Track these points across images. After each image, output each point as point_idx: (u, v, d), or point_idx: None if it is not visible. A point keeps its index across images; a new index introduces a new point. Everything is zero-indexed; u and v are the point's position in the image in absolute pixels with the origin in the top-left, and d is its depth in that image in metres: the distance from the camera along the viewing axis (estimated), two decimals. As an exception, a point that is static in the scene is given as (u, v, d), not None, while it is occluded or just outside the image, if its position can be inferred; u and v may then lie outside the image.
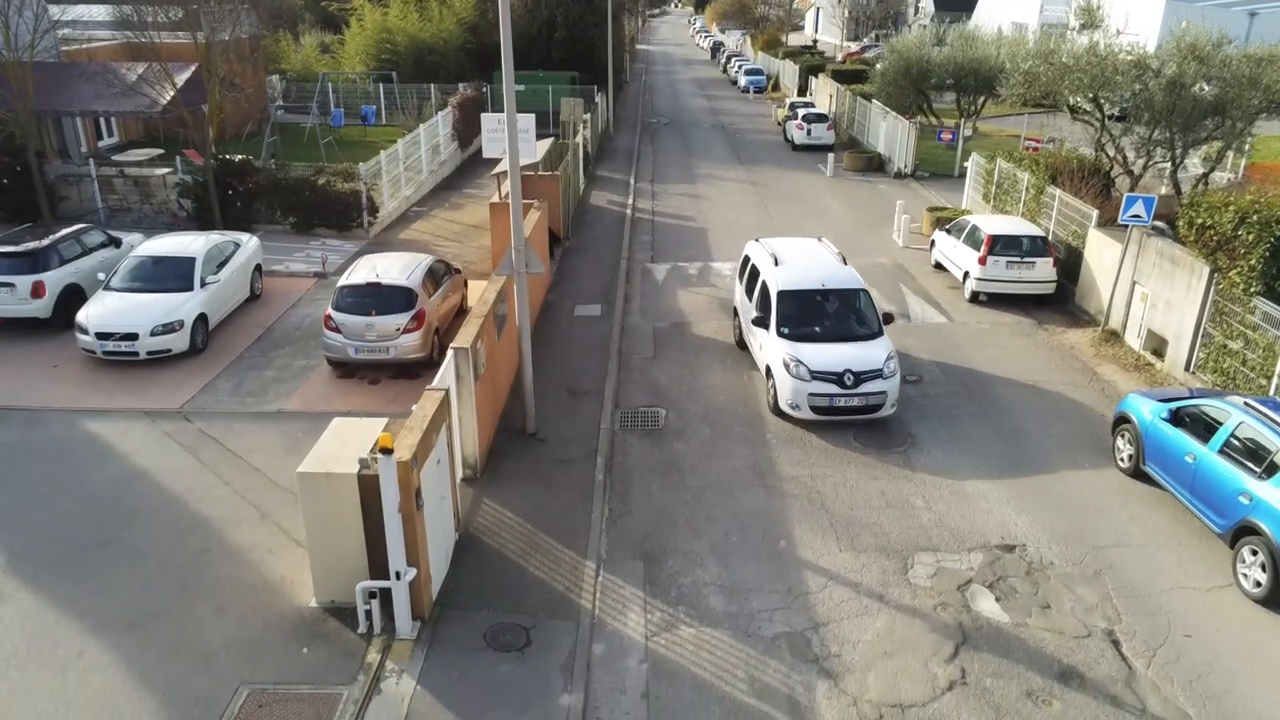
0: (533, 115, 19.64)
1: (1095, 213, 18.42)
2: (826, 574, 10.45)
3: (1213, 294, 14.40)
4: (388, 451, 8.47)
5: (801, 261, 15.40)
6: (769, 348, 14.15)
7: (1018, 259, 18.67)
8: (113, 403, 14.23)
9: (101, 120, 29.94)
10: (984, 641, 9.40)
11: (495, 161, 23.72)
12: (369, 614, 9.25)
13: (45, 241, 17.17)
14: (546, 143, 24.45)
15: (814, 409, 13.39)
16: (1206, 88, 19.09)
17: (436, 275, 16.48)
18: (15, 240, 17.11)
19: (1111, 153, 21.33)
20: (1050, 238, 19.28)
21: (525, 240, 12.69)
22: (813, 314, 14.44)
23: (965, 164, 26.71)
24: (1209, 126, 19.86)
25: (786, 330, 14.11)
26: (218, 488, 11.99)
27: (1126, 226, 16.54)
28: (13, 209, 22.38)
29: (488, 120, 18.39)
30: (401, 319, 14.95)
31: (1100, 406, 14.57)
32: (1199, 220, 14.73)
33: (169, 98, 22.43)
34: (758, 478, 12.50)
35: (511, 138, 12.30)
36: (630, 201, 28.51)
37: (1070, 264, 19.08)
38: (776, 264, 15.20)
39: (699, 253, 23.12)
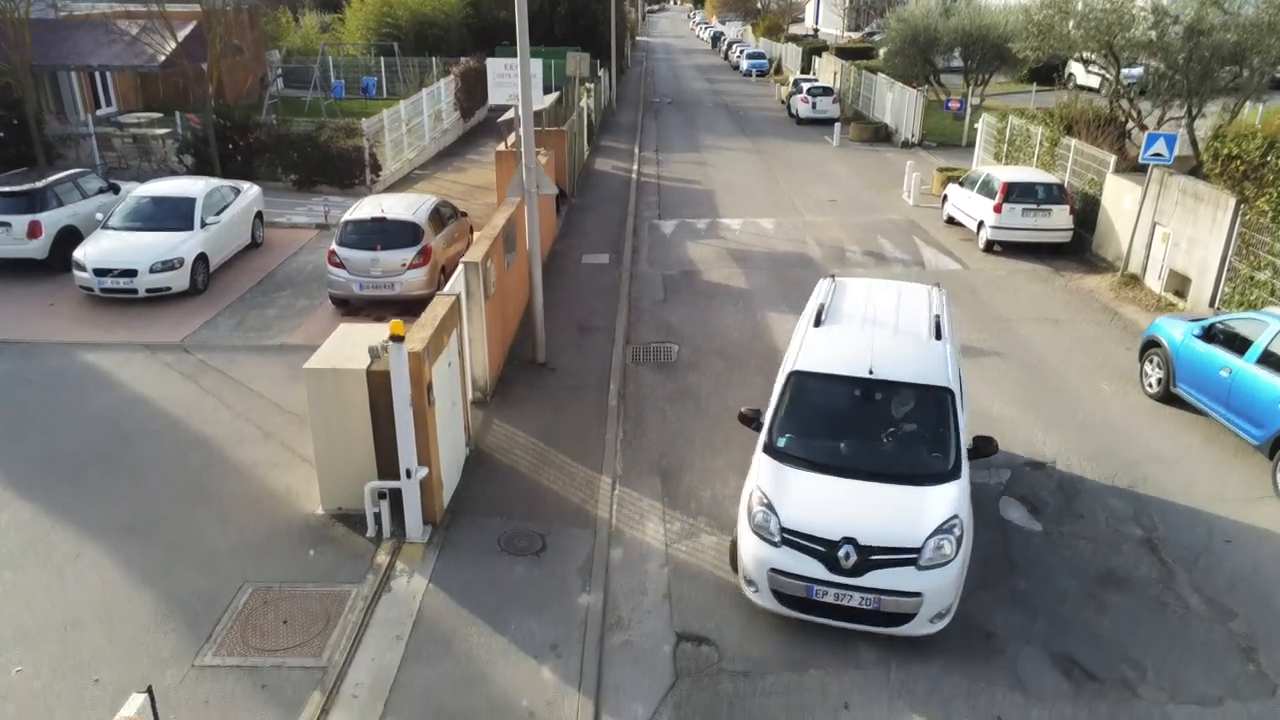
0: (540, 60, 19.26)
1: (1113, 158, 18.07)
2: (851, 488, 10.09)
3: (1239, 226, 14.05)
4: (399, 339, 8.10)
5: (861, 323, 9.29)
6: (751, 468, 8.35)
7: (1033, 207, 18.32)
8: (111, 337, 13.86)
9: (99, 86, 29.54)
10: (1018, 549, 9.04)
11: (496, 136, 23.50)
12: (378, 517, 8.89)
13: (42, 182, 16.80)
14: (552, 96, 24.10)
15: (778, 597, 7.60)
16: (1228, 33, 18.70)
17: (443, 216, 16.11)
18: (12, 182, 16.73)
19: (1126, 105, 20.96)
20: (1066, 188, 18.93)
21: (536, 158, 12.33)
22: (838, 421, 8.64)
23: (975, 125, 26.33)
24: (1227, 76, 19.50)
25: (784, 443, 8.30)
26: (219, 411, 11.63)
27: (1146, 169, 16.23)
28: (9, 164, 21.87)
29: (494, 65, 17.97)
30: (408, 254, 14.59)
31: (1124, 341, 14.22)
32: (1225, 151, 14.39)
33: (169, 51, 22.06)
34: (775, 404, 12.13)
35: (523, 46, 11.94)
36: (635, 168, 28.16)
37: (1087, 214, 18.73)
38: (819, 321, 9.32)
39: (706, 210, 22.77)
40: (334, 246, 14.72)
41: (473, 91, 32.93)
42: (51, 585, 8.23)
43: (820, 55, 48.05)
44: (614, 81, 41.38)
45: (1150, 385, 12.26)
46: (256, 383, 12.38)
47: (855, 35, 70.86)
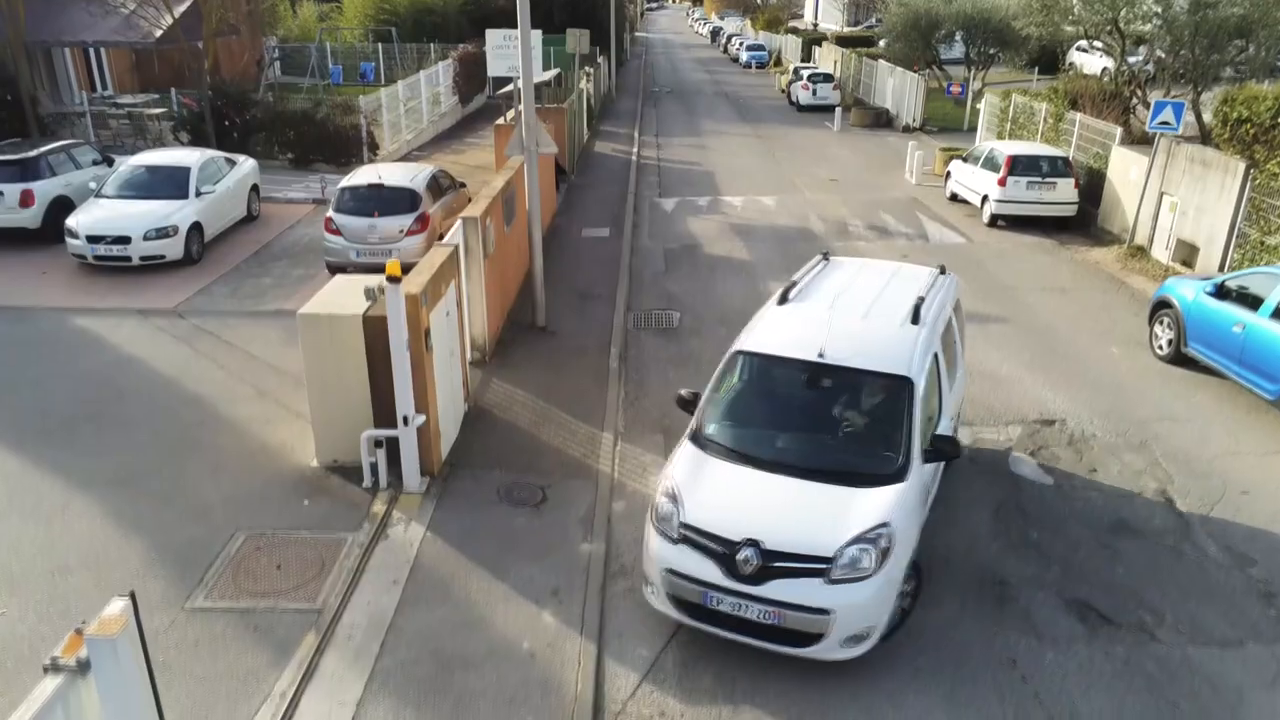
0: (539, 31, 19.06)
1: (1119, 130, 17.89)
2: (857, 444, 9.88)
3: (1248, 191, 13.85)
4: (395, 280, 7.89)
5: (830, 303, 8.07)
6: (671, 456, 7.49)
7: (1038, 180, 18.12)
8: (104, 303, 13.63)
9: (95, 68, 29.30)
10: (1029, 500, 8.84)
11: (495, 119, 23.26)
12: (374, 467, 8.68)
13: (35, 151, 16.58)
14: (552, 72, 23.89)
15: (674, 602, 6.64)
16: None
17: (441, 185, 15.90)
18: (4, 151, 16.51)
19: (1129, 80, 20.79)
20: (1071, 161, 18.72)
21: (536, 117, 12.12)
22: (778, 409, 7.67)
23: (978, 106, 26.15)
24: (1234, 50, 19.32)
25: (712, 430, 7.32)
26: (213, 371, 11.41)
27: (1151, 143, 16.04)
28: (2, 139, 21.75)
29: (493, 36, 17.72)
30: (405, 220, 14.37)
31: (1131, 308, 14.02)
32: (1234, 115, 14.20)
33: (166, 26, 21.85)
34: (779, 366, 11.92)
35: (523, 4, 11.74)
36: (635, 151, 27.95)
37: (1092, 188, 18.52)
38: (785, 298, 8.18)
39: (708, 189, 22.55)
40: (330, 213, 14.50)
41: (471, 77, 32.72)
42: (38, 534, 8.01)
43: (820, 45, 47.86)
44: (613, 70, 41.15)
45: (1160, 347, 12.05)
46: (252, 346, 12.16)
47: (855, 29, 70.73)
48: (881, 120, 33.03)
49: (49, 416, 10.15)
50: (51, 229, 15.88)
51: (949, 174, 21.01)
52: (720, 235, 18.26)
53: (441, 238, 14.83)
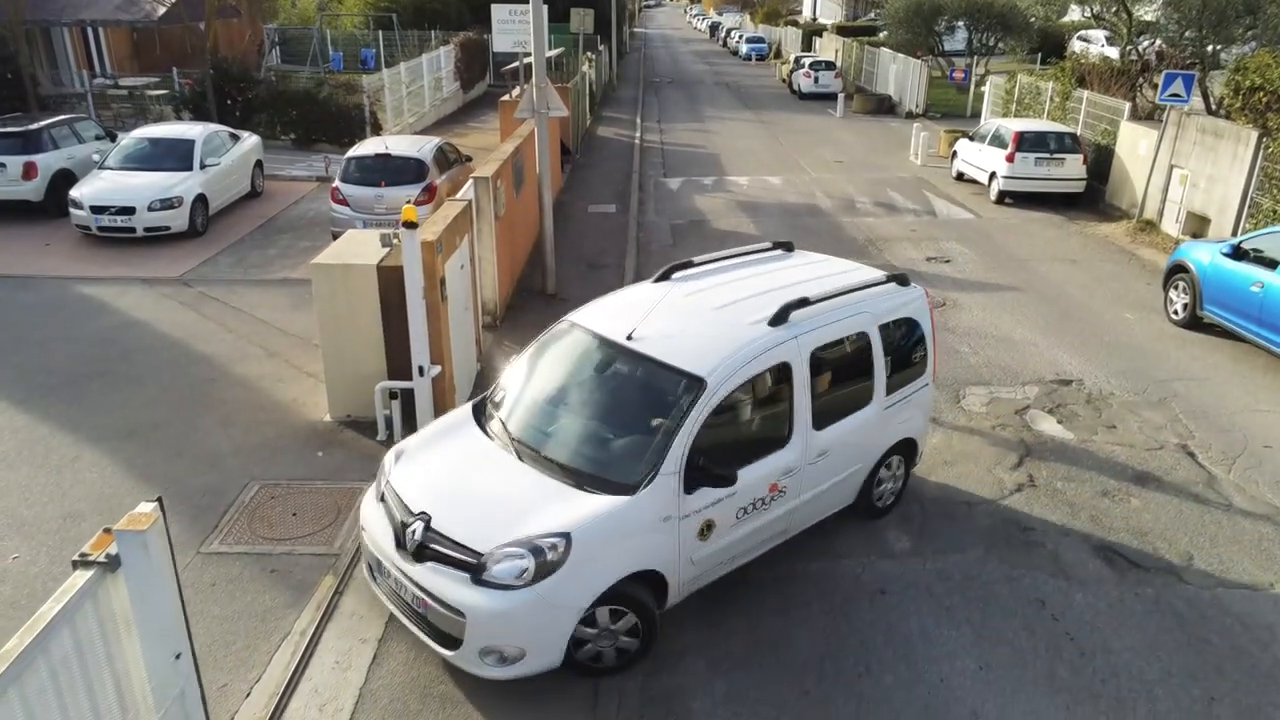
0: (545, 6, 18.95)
1: (1127, 105, 17.82)
2: (874, 402, 9.79)
3: (1261, 160, 13.78)
4: (412, 225, 7.77)
5: (701, 289, 7.02)
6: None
7: (1046, 156, 18.05)
8: (108, 272, 13.49)
9: (94, 52, 29.13)
10: (1050, 454, 8.75)
11: (495, 106, 23.12)
12: (389, 419, 8.56)
13: (38, 124, 16.43)
14: (556, 51, 23.76)
15: (367, 564, 6.24)
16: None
17: (448, 157, 15.81)
18: (7, 124, 16.37)
19: (1136, 57, 20.72)
20: (1079, 137, 18.64)
21: (547, 80, 12.01)
22: (563, 387, 6.68)
23: (982, 89, 26.07)
24: (1242, 26, 19.27)
25: (496, 396, 6.74)
26: (221, 333, 11.29)
27: (1159, 119, 15.96)
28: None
29: (498, 11, 17.61)
30: (412, 190, 14.24)
31: (1143, 277, 13.96)
32: (1246, 83, 14.13)
33: (169, 5, 21.70)
34: (792, 331, 11.84)
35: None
36: (638, 135, 27.83)
37: (1099, 165, 18.45)
38: (664, 276, 7.35)
39: (713, 170, 22.45)
40: (337, 183, 14.40)
41: (473, 64, 32.61)
42: (49, 483, 7.89)
43: (820, 36, 47.80)
44: (614, 59, 41.05)
45: (1175, 312, 11.98)
46: (259, 310, 12.04)
47: (854, 23, 70.70)
48: (884, 107, 32.96)
49: (56, 374, 10.02)
50: (54, 202, 15.74)
51: (955, 153, 20.93)
52: (727, 211, 18.17)
53: (449, 208, 14.83)
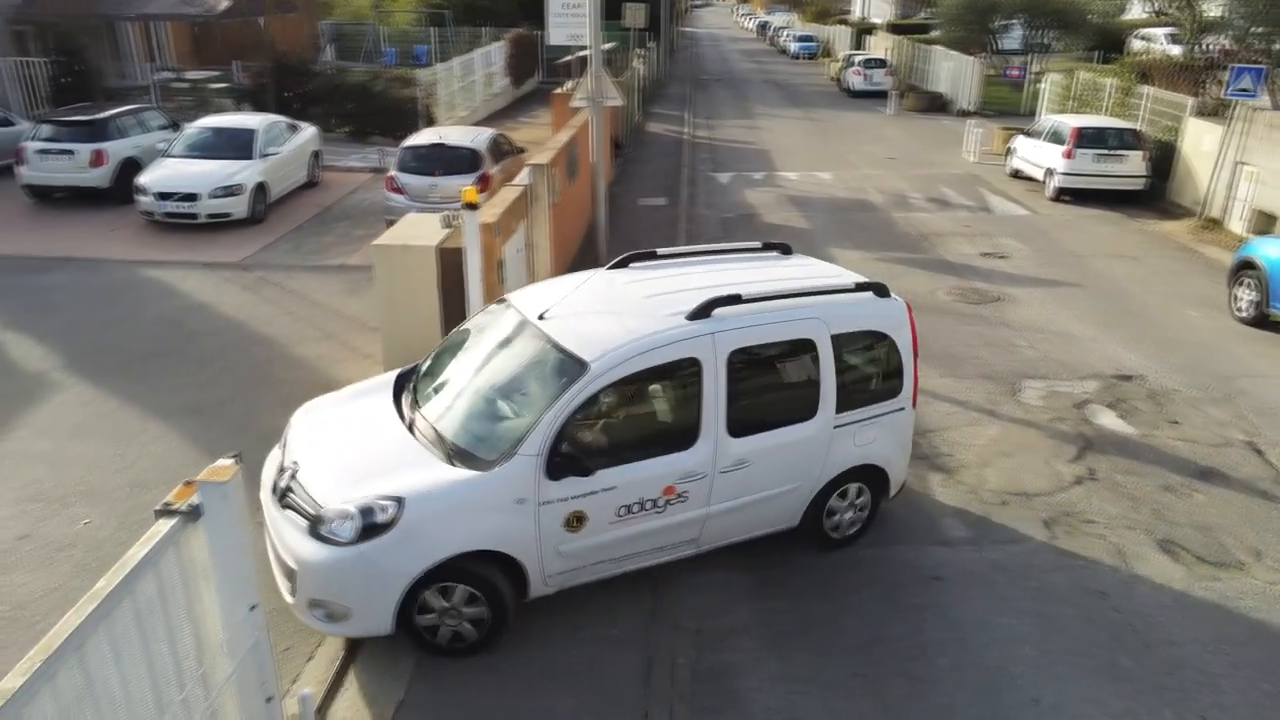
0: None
1: (1191, 100, 17.40)
2: (929, 393, 9.65)
3: (1333, 156, 13.39)
4: (472, 207, 7.88)
5: (649, 277, 6.77)
6: None
7: (1106, 153, 17.70)
8: (171, 256, 13.84)
9: (156, 46, 29.87)
10: (1110, 448, 8.59)
11: (546, 101, 23.26)
12: (444, 399, 8.66)
13: (106, 113, 16.91)
14: (609, 46, 23.85)
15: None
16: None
17: (501, 148, 15.95)
18: (76, 113, 16.87)
19: (1201, 53, 20.22)
20: (1141, 133, 18.24)
21: (603, 68, 12.08)
22: (475, 362, 6.51)
23: (1039, 85, 25.62)
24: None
25: (422, 363, 6.86)
26: (280, 316, 11.53)
27: (1227, 109, 15.57)
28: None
29: (553, 3, 17.73)
30: (466, 180, 14.33)
31: (1207, 275, 13.63)
32: (1319, 77, 13.70)
33: (229, 3, 22.19)
34: (844, 322, 11.76)
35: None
36: (687, 131, 27.83)
37: (1162, 161, 18.03)
38: (621, 264, 7.05)
39: (762, 165, 22.38)
40: (393, 172, 14.62)
41: (524, 60, 32.84)
42: (117, 454, 8.12)
43: (871, 34, 47.35)
44: (664, 57, 41.07)
45: (1241, 309, 11.69)
46: (316, 295, 12.27)
47: (906, 21, 69.90)
48: (936, 105, 32.56)
49: (123, 353, 10.31)
50: (120, 189, 16.16)
51: (1011, 150, 20.61)
52: (777, 205, 18.09)
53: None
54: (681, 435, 5.94)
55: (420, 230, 9.01)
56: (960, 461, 8.29)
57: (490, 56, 29.78)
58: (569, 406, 5.50)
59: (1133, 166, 17.66)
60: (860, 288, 6.66)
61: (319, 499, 5.48)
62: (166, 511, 3.70)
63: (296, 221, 15.86)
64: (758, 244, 7.64)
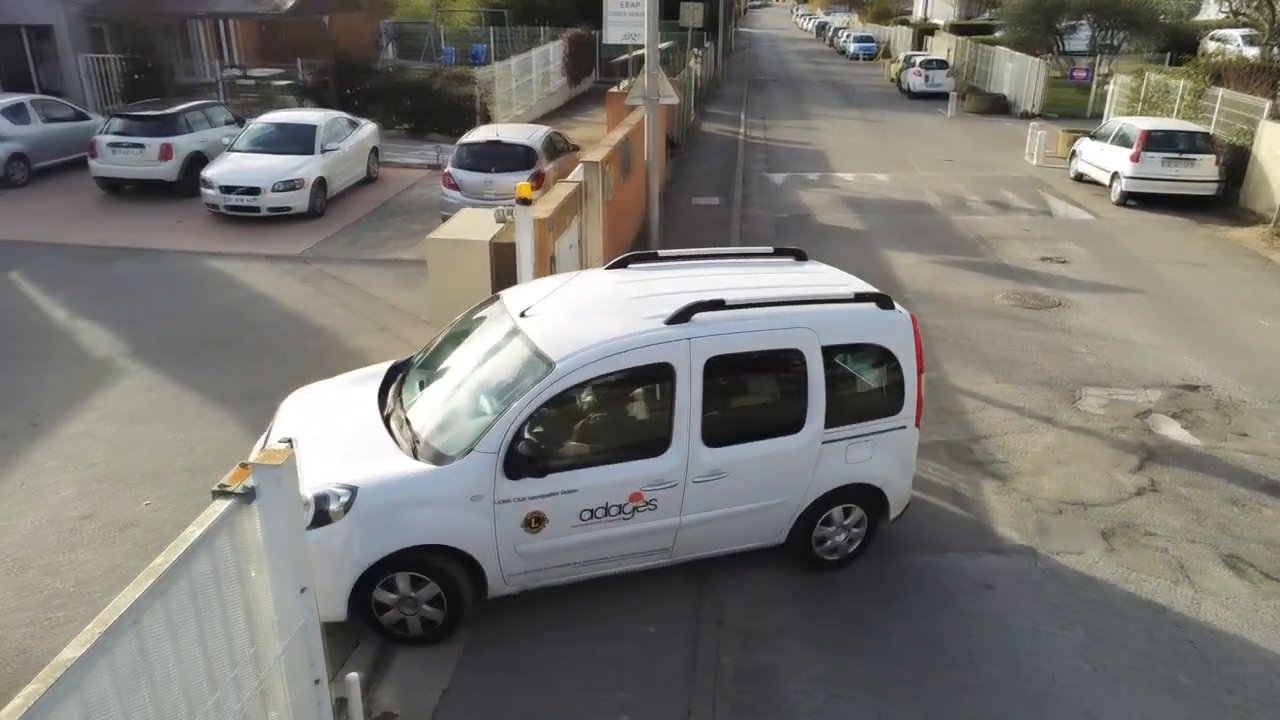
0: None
1: (1268, 103, 16.81)
2: (983, 398, 9.51)
3: None
4: (526, 202, 7.93)
5: (644, 278, 6.61)
6: None
7: (1175, 156, 17.18)
8: (234, 248, 14.18)
9: (224, 44, 30.64)
10: (1174, 459, 8.33)
11: (601, 101, 23.35)
12: (495, 393, 8.73)
13: (175, 109, 17.39)
14: (665, 45, 23.87)
15: None
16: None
17: (556, 146, 16.05)
18: (146, 108, 17.38)
19: (1277, 55, 19.52)
20: (1212, 136, 17.68)
21: (659, 66, 12.07)
22: (462, 359, 6.49)
23: (1107, 87, 24.99)
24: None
25: (415, 357, 7.03)
26: (336, 308, 11.73)
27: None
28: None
29: (611, 2, 17.80)
30: (521, 177, 14.44)
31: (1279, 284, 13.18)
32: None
33: (294, 1, 22.67)
34: (898, 325, 11.59)
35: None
36: (742, 131, 27.70)
37: (1234, 166, 17.45)
38: (619, 264, 6.94)
39: (817, 166, 22.17)
40: (449, 168, 14.79)
41: (580, 60, 32.99)
42: (177, 439, 8.34)
43: (932, 35, 46.63)
44: (720, 57, 40.95)
45: (1316, 319, 11.26)
46: (371, 288, 12.47)
47: (968, 21, 68.72)
48: (998, 106, 31.93)
49: (185, 341, 10.58)
50: (187, 182, 16.62)
51: (1075, 153, 20.12)
52: (832, 206, 17.91)
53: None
54: (652, 441, 5.79)
55: (474, 225, 9.09)
56: (1015, 469, 8.11)
57: (547, 56, 29.99)
58: (530, 406, 5.44)
59: (1203, 171, 17.12)
60: (861, 298, 6.32)
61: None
62: (222, 493, 3.78)
63: (354, 216, 16.14)
64: (769, 249, 7.46)
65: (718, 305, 5.79)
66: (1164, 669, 5.71)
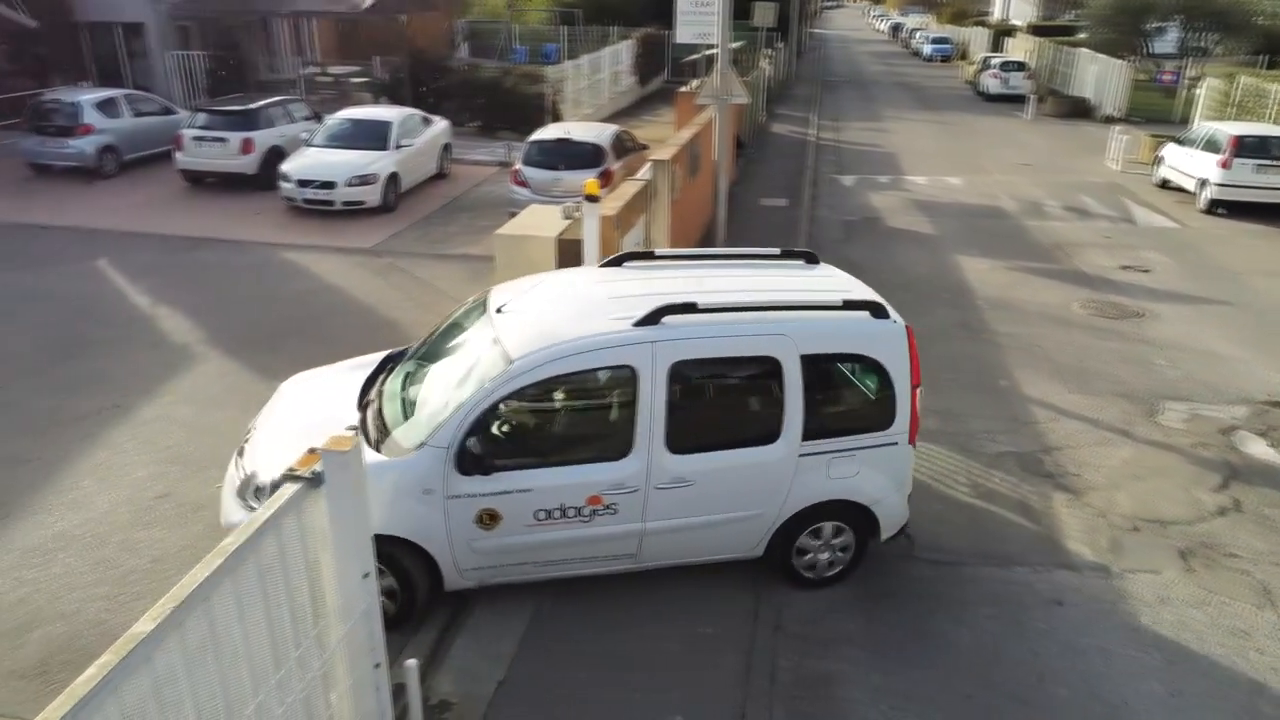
0: None
1: (1371, 109, 16.00)
2: (1056, 409, 9.23)
3: None
4: (593, 199, 7.95)
5: (634, 278, 6.48)
6: None
7: (1269, 163, 16.46)
8: (308, 241, 14.54)
9: (304, 41, 31.45)
10: (1259, 478, 7.97)
11: (670, 100, 23.36)
12: (557, 388, 8.78)
13: (256, 104, 17.91)
14: (737, 45, 23.75)
15: None
16: None
17: (624, 144, 16.07)
18: (229, 103, 17.93)
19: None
20: (1309, 146, 16.91)
21: (730, 64, 11.99)
22: (438, 352, 6.53)
23: (1197, 91, 24.07)
24: None
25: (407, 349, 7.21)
26: (404, 301, 11.94)
27: None
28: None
29: (683, 1, 17.76)
30: (589, 175, 14.46)
31: (1380, 299, 12.51)
32: None
33: (371, 1, 23.15)
34: (968, 331, 11.34)
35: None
36: (813, 132, 27.39)
37: (1332, 174, 16.66)
38: (614, 262, 6.81)
39: (889, 169, 21.82)
40: (518, 165, 14.93)
41: (650, 59, 33.03)
42: (250, 423, 8.55)
43: (1011, 36, 45.51)
44: (792, 57, 40.59)
45: None
46: (439, 281, 12.65)
47: (1050, 22, 66.92)
48: (1078, 110, 31.02)
49: (259, 329, 10.88)
50: (265, 176, 17.08)
51: (1159, 159, 19.43)
52: (902, 209, 17.60)
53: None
54: (612, 445, 5.67)
55: (541, 221, 9.15)
56: (1088, 482, 7.85)
57: (618, 55, 30.08)
58: (483, 402, 5.41)
59: (1298, 178, 16.38)
60: (851, 306, 5.93)
61: (249, 465, 5.90)
62: (291, 477, 3.85)
63: (425, 211, 16.41)
64: (776, 250, 7.15)
65: (690, 308, 5.60)
66: (1244, 697, 5.46)
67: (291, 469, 3.91)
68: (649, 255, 6.93)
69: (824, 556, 6.28)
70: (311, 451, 4.02)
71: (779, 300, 5.98)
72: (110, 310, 11.44)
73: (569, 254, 8.47)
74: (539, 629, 5.92)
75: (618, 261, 6.74)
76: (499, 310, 6.08)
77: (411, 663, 4.58)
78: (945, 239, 15.45)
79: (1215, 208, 17.03)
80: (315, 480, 3.88)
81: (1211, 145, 17.23)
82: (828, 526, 6.16)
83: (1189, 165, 17.88)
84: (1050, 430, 8.78)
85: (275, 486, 5.34)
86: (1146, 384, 9.80)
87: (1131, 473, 8.02)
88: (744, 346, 5.77)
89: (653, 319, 5.55)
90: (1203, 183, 17.25)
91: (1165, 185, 18.99)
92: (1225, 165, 16.60)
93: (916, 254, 14.58)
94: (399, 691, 4.59)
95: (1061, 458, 8.26)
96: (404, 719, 4.66)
